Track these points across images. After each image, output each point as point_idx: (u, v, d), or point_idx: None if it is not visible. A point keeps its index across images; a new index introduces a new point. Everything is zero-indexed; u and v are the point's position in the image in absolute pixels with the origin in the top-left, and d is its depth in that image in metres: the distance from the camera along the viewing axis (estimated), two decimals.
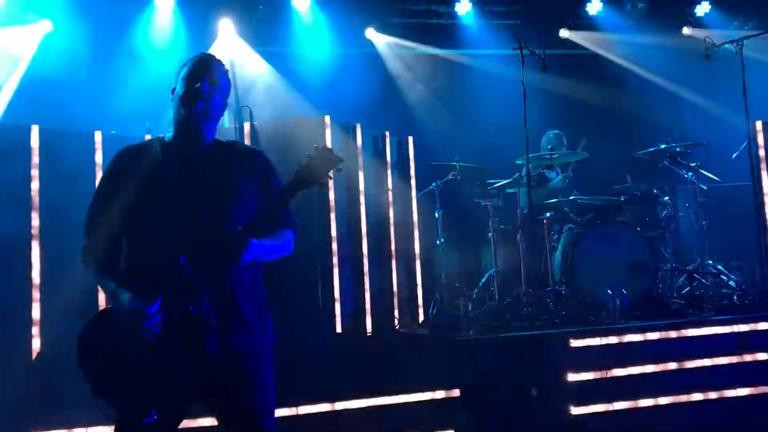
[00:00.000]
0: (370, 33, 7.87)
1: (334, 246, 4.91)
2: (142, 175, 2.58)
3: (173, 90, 2.67)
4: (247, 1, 7.26)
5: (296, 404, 4.38)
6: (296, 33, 7.49)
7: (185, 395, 2.55)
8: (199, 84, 2.59)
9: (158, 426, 2.47)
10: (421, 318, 5.86)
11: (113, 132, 5.22)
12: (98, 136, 5.09)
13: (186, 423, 3.76)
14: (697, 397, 4.84)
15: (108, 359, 2.47)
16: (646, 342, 4.93)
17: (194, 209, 2.53)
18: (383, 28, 7.88)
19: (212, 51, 7.11)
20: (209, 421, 3.42)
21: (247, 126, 5.09)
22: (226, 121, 7.05)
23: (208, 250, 2.44)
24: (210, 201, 2.54)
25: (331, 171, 2.51)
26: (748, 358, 4.99)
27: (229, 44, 7.35)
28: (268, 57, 7.46)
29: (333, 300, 4.87)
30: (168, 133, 2.70)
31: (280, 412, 4.33)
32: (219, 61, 2.71)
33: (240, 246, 2.42)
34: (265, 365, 2.66)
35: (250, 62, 7.39)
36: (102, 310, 2.62)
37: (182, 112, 2.62)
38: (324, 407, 4.46)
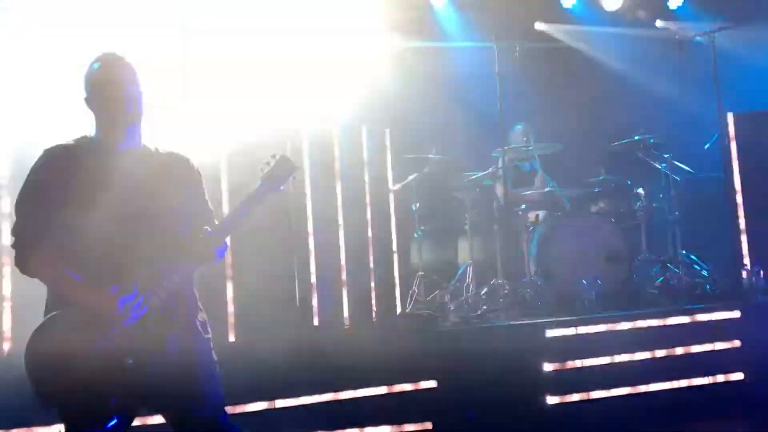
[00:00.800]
0: None
1: (311, 239, 4.91)
2: (82, 178, 2.53)
3: (85, 99, 2.64)
4: None
5: (273, 398, 4.37)
6: None
7: (143, 395, 2.54)
8: (121, 85, 2.58)
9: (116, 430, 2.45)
10: (399, 310, 5.87)
11: None
12: None
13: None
14: (672, 384, 4.92)
15: (64, 367, 2.40)
16: (621, 332, 4.98)
17: (143, 212, 2.55)
18: None
19: None
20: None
21: None
22: None
23: (175, 250, 2.52)
24: (156, 203, 2.58)
25: (289, 178, 2.68)
26: (720, 346, 5.07)
27: None
28: None
29: (310, 293, 4.87)
30: (91, 134, 2.66)
31: (256, 406, 4.32)
32: (125, 58, 2.67)
33: (217, 246, 2.56)
34: (214, 362, 2.73)
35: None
36: (48, 318, 2.49)
37: (108, 118, 2.61)
38: (301, 400, 4.46)
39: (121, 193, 2.52)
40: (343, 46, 7.89)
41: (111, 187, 2.52)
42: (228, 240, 2.70)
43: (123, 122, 2.61)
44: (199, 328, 2.68)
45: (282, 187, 2.67)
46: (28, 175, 2.57)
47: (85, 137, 2.67)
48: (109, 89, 2.59)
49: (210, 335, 2.74)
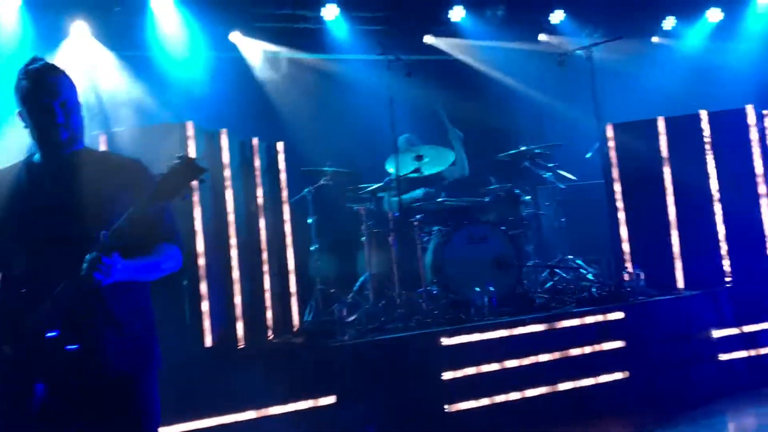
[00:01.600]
0: (235, 37, 7.70)
1: (201, 257, 4.74)
2: (6, 201, 2.42)
3: (19, 113, 2.48)
4: (102, 2, 6.87)
5: (167, 423, 4.20)
6: (157, 36, 7.18)
7: (55, 427, 2.38)
8: (53, 112, 2.41)
9: None
10: (296, 326, 5.79)
11: None
12: None
13: None
14: (564, 386, 5.09)
15: None
16: (513, 336, 5.11)
17: (63, 230, 2.37)
18: (248, 32, 7.73)
19: (62, 52, 6.77)
20: None
21: (102, 134, 4.81)
22: None
23: (71, 271, 2.29)
24: (81, 220, 2.38)
25: (194, 182, 2.37)
26: (606, 346, 5.29)
27: (85, 48, 6.94)
28: (128, 61, 7.11)
29: (201, 313, 4.69)
30: (36, 154, 2.52)
31: None
32: (59, 69, 2.50)
33: (94, 268, 2.25)
34: (148, 390, 2.52)
35: (108, 66, 7.01)
36: None
37: (44, 142, 2.47)
38: (197, 425, 4.31)
39: (39, 216, 2.39)
40: (235, 58, 7.81)
41: (30, 210, 2.40)
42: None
43: (54, 135, 2.44)
44: (111, 350, 2.42)
45: (183, 193, 2.35)
46: None
47: (27, 157, 2.54)
48: (38, 112, 2.43)
49: (144, 356, 2.53)
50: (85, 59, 6.85)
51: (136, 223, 2.32)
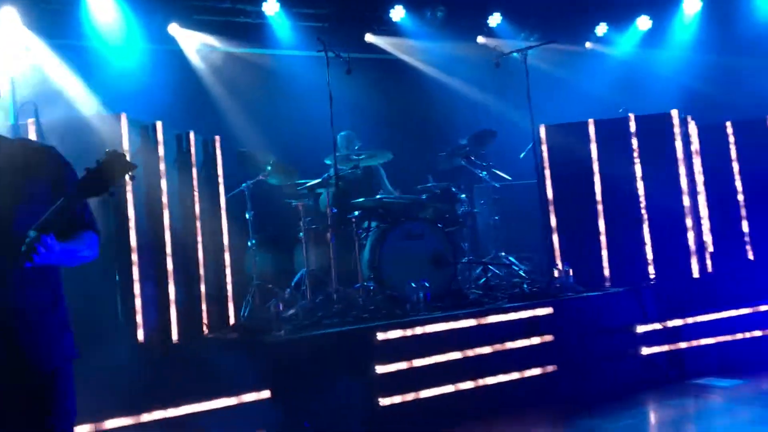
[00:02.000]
0: (173, 29, 7.58)
1: (134, 251, 4.66)
2: None
3: None
4: None
5: (99, 419, 4.13)
6: (92, 25, 7.01)
7: None
8: None
9: None
10: (232, 321, 5.76)
11: None
12: None
13: None
14: (495, 379, 5.22)
15: None
16: (446, 331, 5.21)
17: None
18: (188, 25, 7.62)
19: None
20: None
21: (31, 123, 4.68)
22: (12, 117, 6.45)
23: None
24: None
25: (123, 178, 2.32)
26: (536, 341, 5.46)
27: (14, 35, 6.71)
28: (60, 50, 6.91)
29: (134, 308, 4.62)
30: None
31: (82, 429, 4.06)
32: None
33: (32, 249, 2.20)
34: (64, 383, 2.45)
35: (39, 55, 6.79)
36: None
37: None
38: (128, 420, 4.25)
39: None
40: (173, 50, 7.69)
41: None
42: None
43: None
44: (46, 342, 2.37)
45: (111, 190, 2.28)
46: None
47: None
48: None
49: (59, 349, 2.44)
50: (14, 47, 6.63)
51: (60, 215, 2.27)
